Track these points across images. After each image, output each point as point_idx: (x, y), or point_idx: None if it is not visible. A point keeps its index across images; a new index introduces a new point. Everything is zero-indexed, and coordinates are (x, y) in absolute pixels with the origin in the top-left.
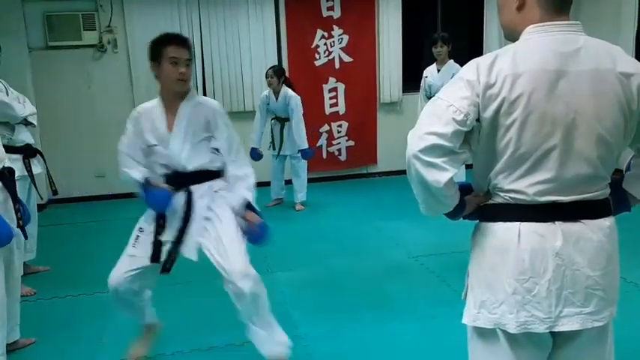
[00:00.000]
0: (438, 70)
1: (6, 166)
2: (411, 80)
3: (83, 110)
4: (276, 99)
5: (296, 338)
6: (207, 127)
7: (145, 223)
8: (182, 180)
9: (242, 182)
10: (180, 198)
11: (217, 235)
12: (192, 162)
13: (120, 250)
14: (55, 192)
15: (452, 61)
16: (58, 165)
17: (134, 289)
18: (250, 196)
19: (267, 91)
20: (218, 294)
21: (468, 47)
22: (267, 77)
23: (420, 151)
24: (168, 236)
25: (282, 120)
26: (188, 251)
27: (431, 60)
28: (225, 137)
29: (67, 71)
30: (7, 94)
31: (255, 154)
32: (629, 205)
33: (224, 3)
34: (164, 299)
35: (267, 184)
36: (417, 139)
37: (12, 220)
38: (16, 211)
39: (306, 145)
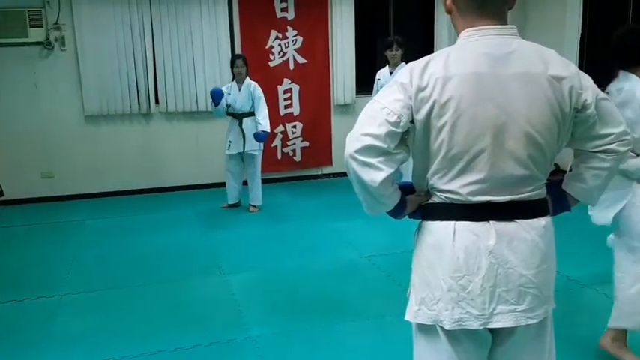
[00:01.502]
0: (391, 73)
1: None
2: (365, 82)
3: (30, 110)
4: (239, 89)
5: (247, 340)
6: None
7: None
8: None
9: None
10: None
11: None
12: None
13: (68, 253)
14: (0, 194)
15: (404, 63)
16: (3, 166)
17: None
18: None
19: (227, 85)
20: (176, 296)
21: (420, 50)
22: (236, 67)
23: (356, 151)
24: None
25: (240, 116)
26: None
27: (384, 62)
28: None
29: (12, 69)
30: None
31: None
32: (569, 205)
33: (176, 2)
34: (126, 301)
35: (220, 185)
36: (354, 140)
37: None
38: None
39: (269, 129)
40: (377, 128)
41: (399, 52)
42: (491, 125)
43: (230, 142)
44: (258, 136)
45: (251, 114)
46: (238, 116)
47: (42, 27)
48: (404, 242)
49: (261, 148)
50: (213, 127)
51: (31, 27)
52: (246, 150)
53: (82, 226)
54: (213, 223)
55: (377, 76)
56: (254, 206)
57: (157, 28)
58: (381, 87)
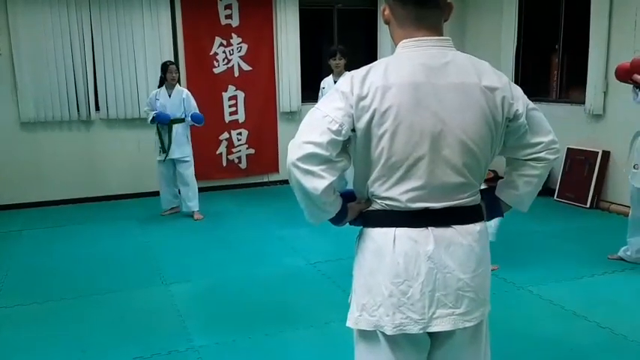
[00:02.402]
0: (335, 82)
1: None
2: (310, 90)
3: None
4: (169, 95)
5: (190, 351)
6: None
7: None
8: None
9: None
10: None
11: None
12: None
13: (3, 264)
14: None
15: (348, 72)
16: None
17: None
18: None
19: (155, 91)
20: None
21: (364, 59)
22: (170, 72)
23: (298, 159)
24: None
25: (171, 122)
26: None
27: (328, 71)
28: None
29: None
30: None
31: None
32: (501, 211)
33: (117, 5)
34: (64, 314)
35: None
36: (296, 147)
37: None
38: None
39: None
40: (319, 136)
41: (342, 62)
42: (429, 133)
43: (161, 147)
44: (195, 118)
45: (181, 120)
46: (168, 123)
47: None
48: (349, 249)
49: (191, 154)
50: (154, 134)
51: None
52: (177, 156)
53: (19, 237)
54: (155, 232)
55: (321, 85)
56: (197, 212)
57: (96, 32)
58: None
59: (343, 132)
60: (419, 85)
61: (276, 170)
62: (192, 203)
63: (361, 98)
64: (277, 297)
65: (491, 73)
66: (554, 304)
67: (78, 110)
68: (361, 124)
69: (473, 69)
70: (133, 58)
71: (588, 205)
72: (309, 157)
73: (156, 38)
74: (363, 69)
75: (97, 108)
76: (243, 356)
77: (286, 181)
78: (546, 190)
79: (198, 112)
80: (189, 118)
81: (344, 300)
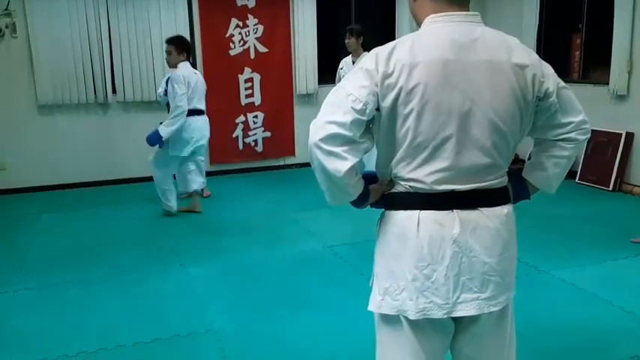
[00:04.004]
0: (353, 62)
1: None
2: (328, 72)
3: None
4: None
5: (209, 333)
6: None
7: None
8: None
9: None
10: None
11: None
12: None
13: (21, 247)
14: None
15: (366, 52)
16: None
17: None
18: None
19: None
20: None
21: (382, 39)
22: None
23: (321, 140)
24: None
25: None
26: None
27: (346, 51)
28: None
29: None
30: None
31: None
32: (528, 193)
33: None
34: (83, 295)
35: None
36: (318, 128)
37: None
38: None
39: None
40: (342, 116)
41: (353, 41)
42: (457, 112)
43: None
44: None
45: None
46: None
47: None
48: (366, 232)
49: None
50: None
51: None
52: None
53: (37, 220)
54: (172, 215)
55: (340, 65)
56: (205, 189)
57: (113, 15)
58: (343, 76)
59: (367, 111)
60: (447, 62)
61: (293, 153)
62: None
63: (387, 76)
64: (294, 280)
65: (521, 50)
66: (577, 288)
67: (95, 93)
68: (386, 103)
69: (502, 45)
70: (149, 41)
71: (611, 188)
72: (332, 138)
73: (172, 21)
74: (389, 45)
75: (114, 91)
76: (261, 339)
77: (302, 165)
78: (568, 173)
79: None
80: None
81: (362, 283)
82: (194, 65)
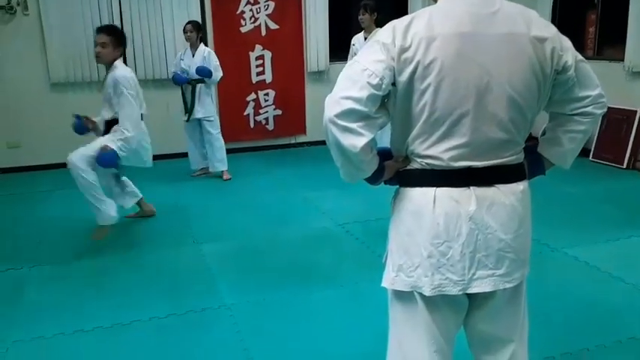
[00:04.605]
0: (365, 39)
1: None
2: (339, 49)
3: None
4: (193, 55)
5: (222, 308)
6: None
7: None
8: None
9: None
10: None
11: None
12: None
13: (35, 224)
14: None
15: (379, 29)
16: None
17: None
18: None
19: (182, 51)
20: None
21: (395, 15)
22: (185, 32)
23: (336, 115)
24: None
25: (194, 81)
26: None
27: (358, 28)
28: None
29: None
30: None
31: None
32: (544, 169)
33: None
34: (97, 271)
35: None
36: (333, 103)
37: None
38: None
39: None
40: (358, 91)
41: (367, 17)
42: (475, 87)
43: (185, 106)
44: (199, 70)
45: (204, 80)
46: (192, 82)
47: None
48: (378, 210)
49: (215, 114)
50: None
51: None
52: (201, 116)
53: (49, 197)
54: (185, 193)
55: (352, 42)
56: (225, 172)
57: None
58: (355, 53)
59: (383, 86)
60: (465, 36)
61: (303, 132)
62: (219, 163)
63: (404, 50)
64: (306, 257)
65: (540, 23)
66: (589, 266)
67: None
68: (403, 78)
69: (521, 18)
70: (160, 18)
71: (625, 166)
72: (348, 114)
73: None
74: (405, 18)
75: None
76: (274, 314)
77: (313, 143)
78: (582, 151)
79: (218, 70)
80: (196, 74)
81: (373, 260)
82: (205, 43)
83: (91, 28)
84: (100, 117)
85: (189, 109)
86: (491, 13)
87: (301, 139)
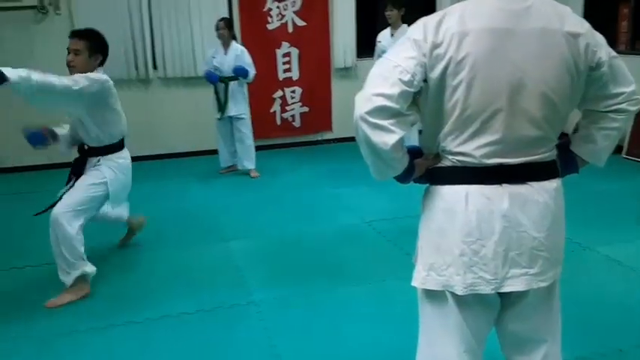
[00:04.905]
0: (392, 35)
1: None
2: (366, 45)
3: None
4: (225, 52)
5: (250, 305)
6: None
7: None
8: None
9: None
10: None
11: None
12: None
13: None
14: None
15: (405, 25)
16: (3, 134)
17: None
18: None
19: (214, 48)
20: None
21: (423, 11)
22: (217, 29)
23: (367, 112)
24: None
25: (227, 79)
26: None
27: (385, 24)
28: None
29: (7, 35)
30: None
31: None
32: (577, 166)
33: None
34: (127, 268)
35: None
36: (364, 100)
37: None
38: None
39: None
40: (389, 88)
41: (394, 12)
42: (508, 83)
43: (218, 103)
44: (237, 70)
45: (236, 77)
46: (224, 80)
47: None
48: (406, 207)
49: (248, 112)
50: (212, 93)
51: None
52: (233, 114)
53: None
54: (213, 189)
55: (377, 39)
56: (253, 170)
57: None
58: (382, 50)
59: (415, 83)
60: (498, 32)
61: (330, 128)
62: (249, 161)
63: (436, 46)
64: (333, 254)
65: (573, 19)
66: (622, 265)
67: (137, 69)
68: (434, 74)
69: (555, 14)
70: (188, 16)
71: None
72: (379, 111)
73: None
74: (437, 14)
75: (155, 67)
76: (301, 311)
77: (340, 139)
78: (615, 148)
79: (252, 68)
80: (233, 73)
81: (401, 258)
82: (235, 39)
83: (121, 28)
84: (68, 132)
85: (222, 107)
86: (524, 9)
87: (328, 135)
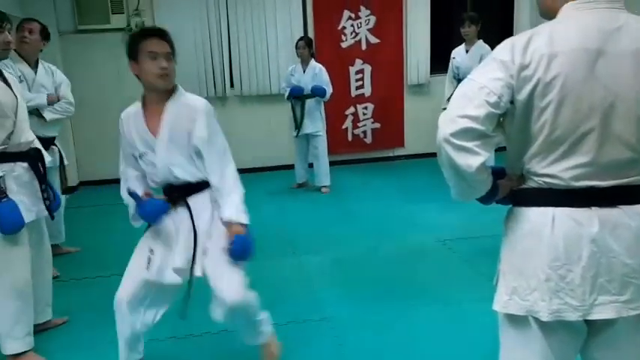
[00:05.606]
0: (467, 51)
1: (33, 147)
2: (440, 61)
3: (112, 94)
4: (304, 71)
5: (324, 321)
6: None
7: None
8: (177, 192)
9: (227, 198)
10: (180, 214)
11: (218, 254)
12: (184, 171)
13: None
14: (68, 189)
15: (481, 41)
16: (87, 148)
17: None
18: (235, 214)
19: (292, 66)
20: None
21: (498, 27)
22: (298, 48)
23: (452, 134)
24: (179, 262)
25: (303, 97)
26: (196, 271)
27: (459, 40)
28: (205, 140)
29: (96, 55)
30: (21, 82)
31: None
32: None
33: None
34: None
35: (292, 166)
36: (449, 122)
37: (38, 201)
38: (42, 191)
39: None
40: (475, 109)
41: (472, 29)
42: (599, 106)
43: (295, 121)
44: (314, 89)
45: (314, 95)
46: (301, 97)
47: (123, 13)
48: (482, 227)
49: (324, 129)
50: (287, 111)
51: (112, 13)
52: (309, 131)
53: None
54: (285, 205)
55: (452, 55)
56: (325, 187)
57: (232, 12)
58: (456, 66)
59: (502, 104)
60: (589, 52)
61: (402, 144)
62: (324, 177)
63: (524, 67)
64: (406, 272)
65: None
66: None
67: (215, 87)
68: (522, 96)
69: None
70: (265, 36)
71: None
72: (464, 132)
73: (287, 15)
74: (524, 35)
75: (232, 85)
76: (375, 329)
77: (412, 156)
78: None
79: (329, 87)
80: (311, 92)
81: (477, 280)
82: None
83: (201, 48)
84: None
85: (298, 125)
86: (616, 29)
87: (399, 152)
